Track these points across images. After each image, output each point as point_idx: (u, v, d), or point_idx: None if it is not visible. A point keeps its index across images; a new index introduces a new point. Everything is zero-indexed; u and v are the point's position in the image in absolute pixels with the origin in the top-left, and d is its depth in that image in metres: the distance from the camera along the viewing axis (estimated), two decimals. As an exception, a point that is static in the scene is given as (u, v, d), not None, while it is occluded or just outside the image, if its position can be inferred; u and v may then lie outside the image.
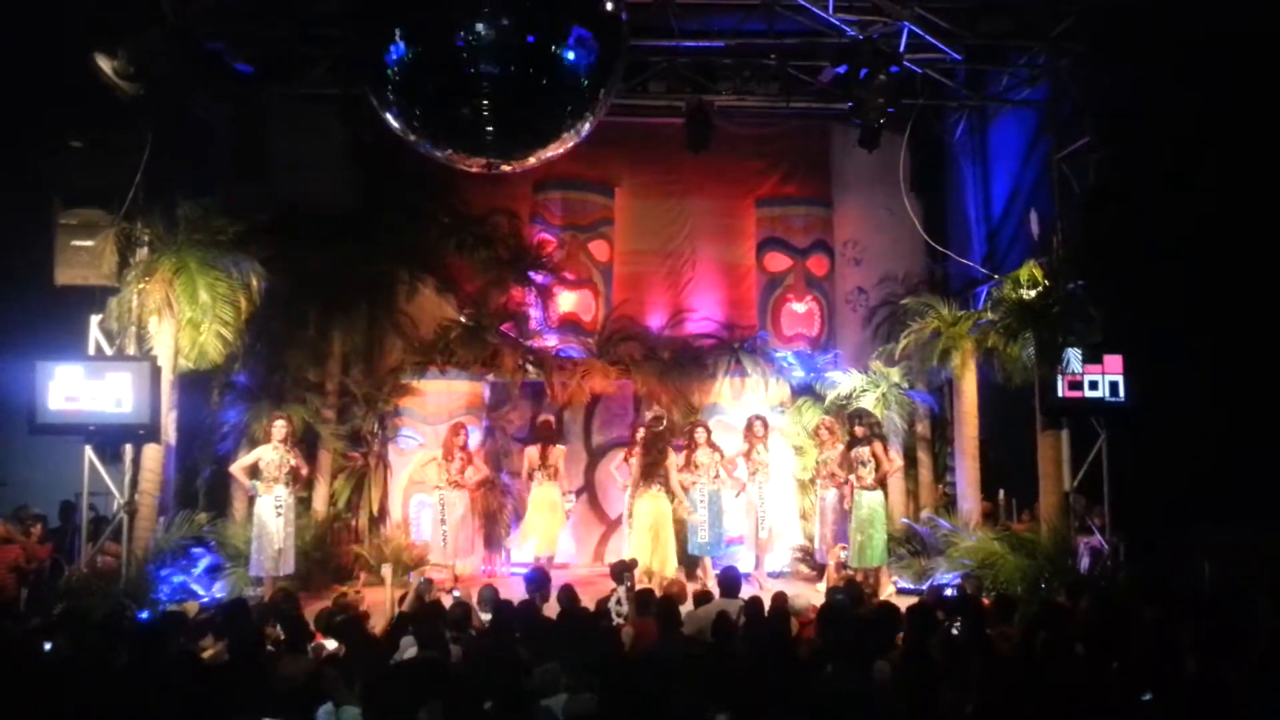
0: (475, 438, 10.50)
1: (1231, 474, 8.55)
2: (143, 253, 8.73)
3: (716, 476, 9.83)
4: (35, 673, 4.56)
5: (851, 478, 9.25)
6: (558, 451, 10.06)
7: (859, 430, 9.31)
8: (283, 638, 5.82)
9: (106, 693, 4.40)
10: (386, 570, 7.86)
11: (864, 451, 9.21)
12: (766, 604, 6.48)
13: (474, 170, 7.08)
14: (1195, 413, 8.85)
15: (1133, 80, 9.01)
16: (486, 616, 6.43)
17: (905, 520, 10.31)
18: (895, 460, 10.06)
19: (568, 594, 6.79)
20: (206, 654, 5.66)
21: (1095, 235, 8.97)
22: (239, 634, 5.51)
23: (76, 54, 8.08)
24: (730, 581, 7.05)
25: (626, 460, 10.15)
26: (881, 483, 9.34)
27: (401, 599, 7.23)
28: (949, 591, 8.27)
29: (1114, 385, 9.02)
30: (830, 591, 7.65)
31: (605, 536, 11.10)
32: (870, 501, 9.13)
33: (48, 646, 5.51)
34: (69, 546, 9.02)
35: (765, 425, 10.09)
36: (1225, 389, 8.85)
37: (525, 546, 10.28)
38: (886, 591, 8.98)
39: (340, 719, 4.03)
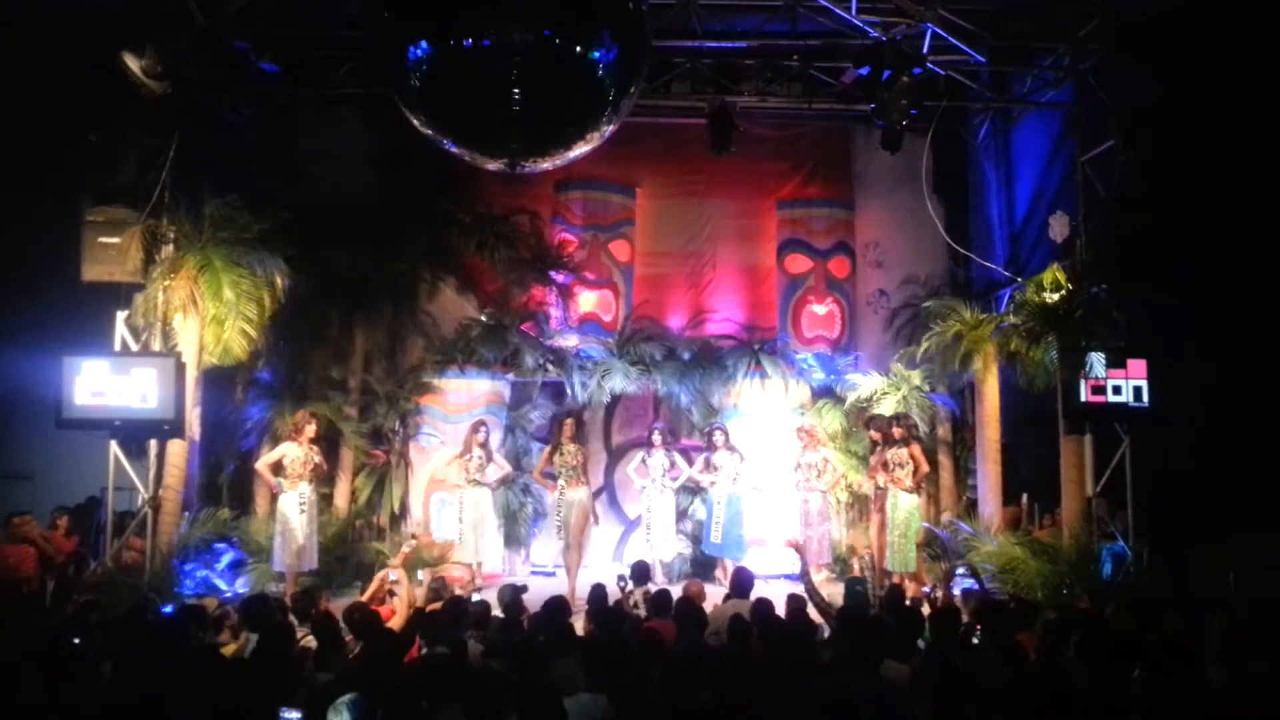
0: (496, 436, 10.53)
1: (1256, 481, 8.47)
2: (168, 250, 8.84)
3: (735, 479, 9.82)
4: (62, 667, 4.59)
5: (888, 480, 9.18)
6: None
7: (897, 431, 9.25)
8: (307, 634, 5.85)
9: (130, 686, 4.44)
10: (398, 572, 7.46)
11: (902, 453, 9.14)
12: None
13: (495, 170, 7.10)
14: (1219, 419, 8.77)
15: (1158, 82, 8.94)
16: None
17: (925, 524, 10.25)
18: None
19: (597, 594, 6.82)
20: (227, 650, 5.71)
21: (1119, 239, 8.92)
22: (266, 629, 5.54)
23: (106, 53, 8.17)
24: (740, 582, 7.01)
25: (644, 462, 10.19)
26: (919, 485, 9.30)
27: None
28: (957, 591, 8.17)
29: (1137, 390, 8.95)
30: (850, 583, 7.61)
31: (624, 536, 11.10)
32: (907, 504, 9.09)
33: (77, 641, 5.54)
34: (94, 541, 9.11)
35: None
36: (1249, 395, 8.77)
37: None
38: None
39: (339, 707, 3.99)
